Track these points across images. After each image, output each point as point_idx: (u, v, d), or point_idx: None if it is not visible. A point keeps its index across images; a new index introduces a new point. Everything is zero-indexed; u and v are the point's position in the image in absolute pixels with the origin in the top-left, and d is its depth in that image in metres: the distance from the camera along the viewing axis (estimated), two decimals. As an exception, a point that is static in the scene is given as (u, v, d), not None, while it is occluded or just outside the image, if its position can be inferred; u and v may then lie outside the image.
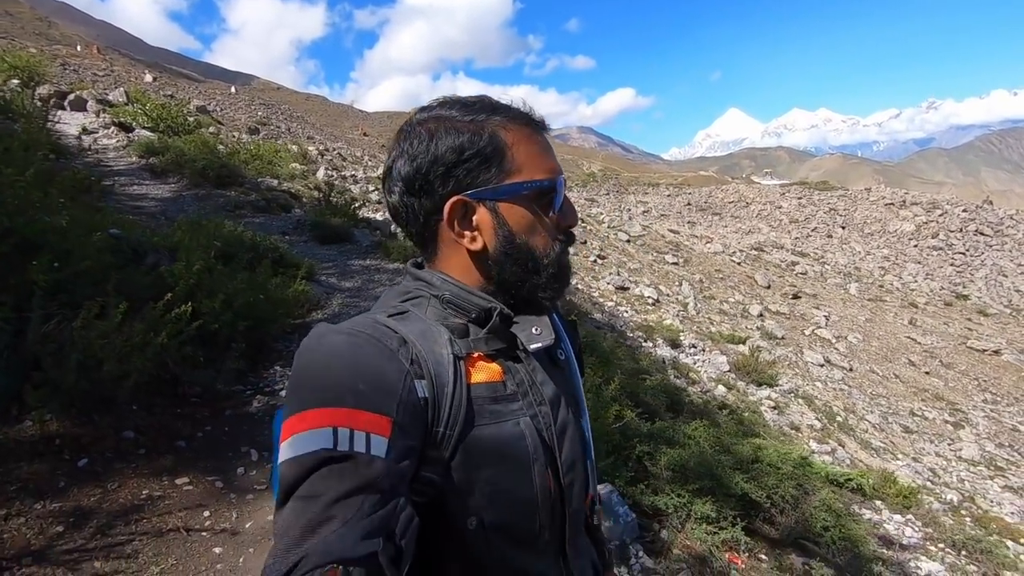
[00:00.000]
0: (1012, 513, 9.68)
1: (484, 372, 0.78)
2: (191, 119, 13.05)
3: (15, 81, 11.13)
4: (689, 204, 53.03)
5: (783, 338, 17.83)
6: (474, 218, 0.80)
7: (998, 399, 18.39)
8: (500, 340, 0.81)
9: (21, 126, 5.22)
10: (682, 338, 8.83)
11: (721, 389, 6.69)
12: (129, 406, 2.38)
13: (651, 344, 7.75)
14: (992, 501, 10.08)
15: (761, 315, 19.66)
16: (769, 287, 24.36)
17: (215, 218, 4.55)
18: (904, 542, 4.20)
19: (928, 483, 7.60)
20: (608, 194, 57.37)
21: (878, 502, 4.83)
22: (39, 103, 10.66)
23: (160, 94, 29.09)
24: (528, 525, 0.77)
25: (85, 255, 2.46)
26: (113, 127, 10.47)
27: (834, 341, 19.24)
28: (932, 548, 4.13)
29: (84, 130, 10.15)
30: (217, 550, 2.00)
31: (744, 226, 45.59)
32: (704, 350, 8.78)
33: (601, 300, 11.68)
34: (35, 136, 4.36)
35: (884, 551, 3.84)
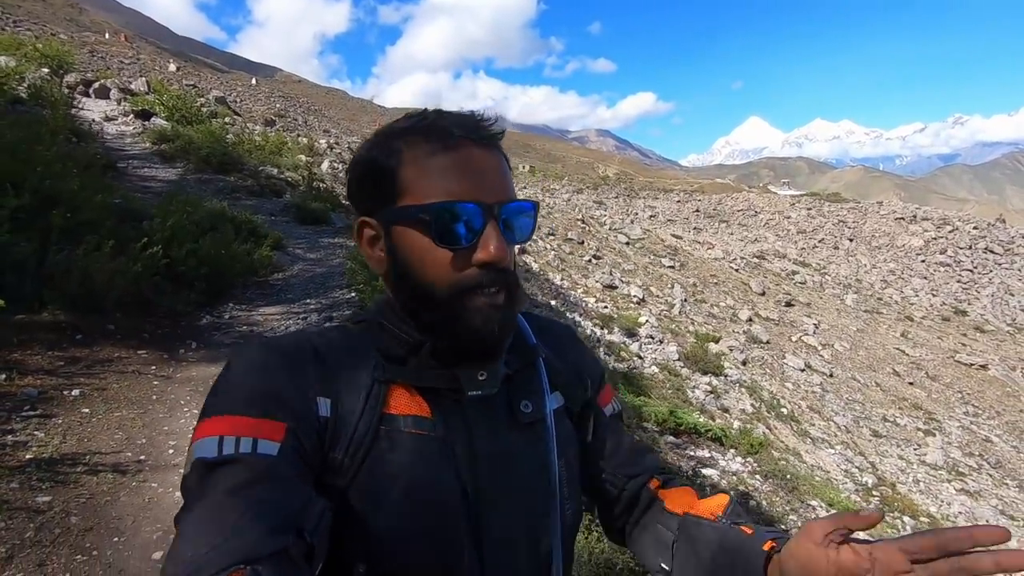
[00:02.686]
0: (959, 513, 10.17)
1: (409, 407, 0.71)
2: (205, 110, 13.92)
3: (45, 70, 12.05)
4: (698, 211, 53.31)
5: (768, 342, 18.28)
6: (380, 241, 0.75)
7: (979, 411, 18.68)
8: (436, 378, 0.73)
9: (49, 113, 6.23)
10: (641, 330, 9.48)
11: (654, 369, 7.35)
12: (113, 312, 3.61)
13: (605, 331, 8.45)
14: (943, 501, 10.57)
15: (750, 320, 20.10)
16: (764, 294, 24.73)
17: (193, 194, 5.51)
18: (723, 465, 5.07)
19: (854, 469, 8.19)
20: (618, 198, 57.82)
21: (731, 450, 5.59)
22: (66, 91, 11.57)
23: (182, 84, 30.19)
24: None
25: (89, 209, 3.36)
26: (132, 115, 11.40)
27: (819, 348, 19.62)
28: (747, 475, 4.98)
29: (106, 117, 11.06)
30: (156, 382, 3.29)
31: (750, 234, 45.81)
32: (661, 341, 9.41)
33: (581, 295, 12.31)
34: (60, 122, 5.39)
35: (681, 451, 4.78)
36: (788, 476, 5.29)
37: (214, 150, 8.87)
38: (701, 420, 5.40)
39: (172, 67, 41.07)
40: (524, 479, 0.75)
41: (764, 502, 4.86)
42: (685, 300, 19.58)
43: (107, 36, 46.48)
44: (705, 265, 25.95)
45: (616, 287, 16.29)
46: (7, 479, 2.18)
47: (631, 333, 9.08)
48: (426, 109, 0.76)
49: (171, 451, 2.78)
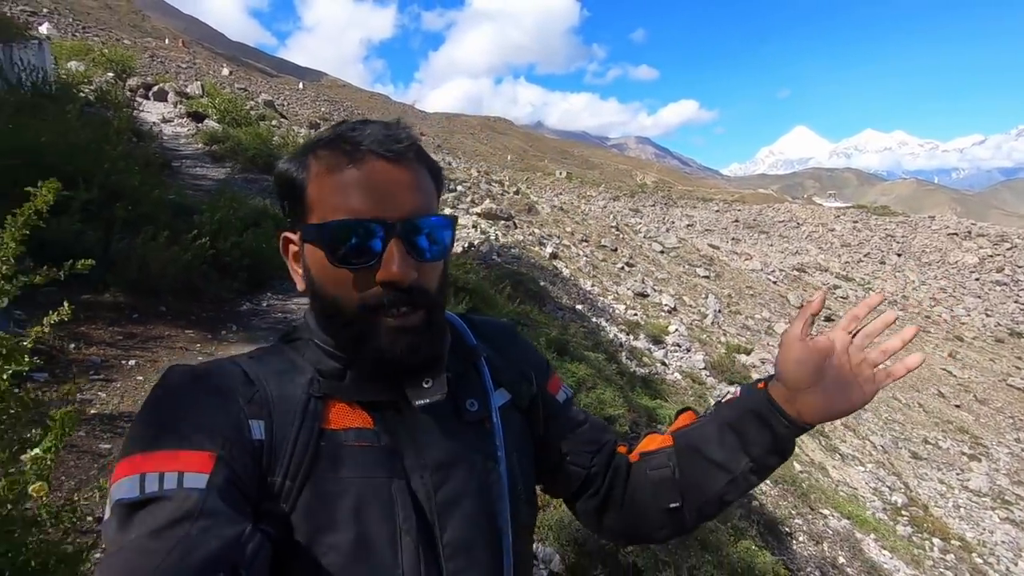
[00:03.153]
0: (1002, 542, 9.75)
1: (350, 419, 0.70)
2: (254, 113, 14.62)
3: (111, 74, 12.92)
4: (737, 221, 52.30)
5: (804, 357, 17.85)
6: (300, 257, 0.74)
7: (1032, 439, 17.75)
8: (378, 389, 0.72)
9: (113, 114, 6.86)
10: (668, 338, 9.44)
11: (677, 376, 7.32)
12: (166, 296, 4.15)
13: (631, 337, 8.47)
14: (985, 529, 10.14)
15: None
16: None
17: (238, 192, 6.08)
18: None
19: (884, 488, 7.94)
20: (655, 206, 57.21)
21: None
22: (128, 93, 12.36)
23: (234, 87, 31.57)
24: None
25: (148, 203, 3.92)
26: (187, 117, 12.12)
27: (859, 365, 19.07)
28: (778, 497, 4.92)
29: (163, 119, 11.79)
30: (199, 358, 3.66)
31: (791, 246, 44.65)
32: (688, 350, 9.35)
33: (611, 301, 12.33)
34: (123, 124, 6.04)
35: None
36: (797, 483, 5.28)
37: (260, 151, 9.46)
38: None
39: (225, 71, 42.88)
40: (475, 480, 0.74)
41: (769, 504, 4.88)
42: (719, 311, 19.29)
43: (167, 42, 48.90)
44: (741, 276, 25.48)
45: (648, 295, 16.21)
46: (76, 428, 2.54)
47: (657, 340, 9.05)
48: (345, 121, 0.74)
49: (207, 414, 3.39)
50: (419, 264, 0.70)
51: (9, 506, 1.19)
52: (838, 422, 12.20)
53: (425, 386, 0.72)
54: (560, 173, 68.12)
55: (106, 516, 0.57)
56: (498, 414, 0.80)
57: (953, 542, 6.82)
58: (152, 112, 12.06)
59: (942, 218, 51.73)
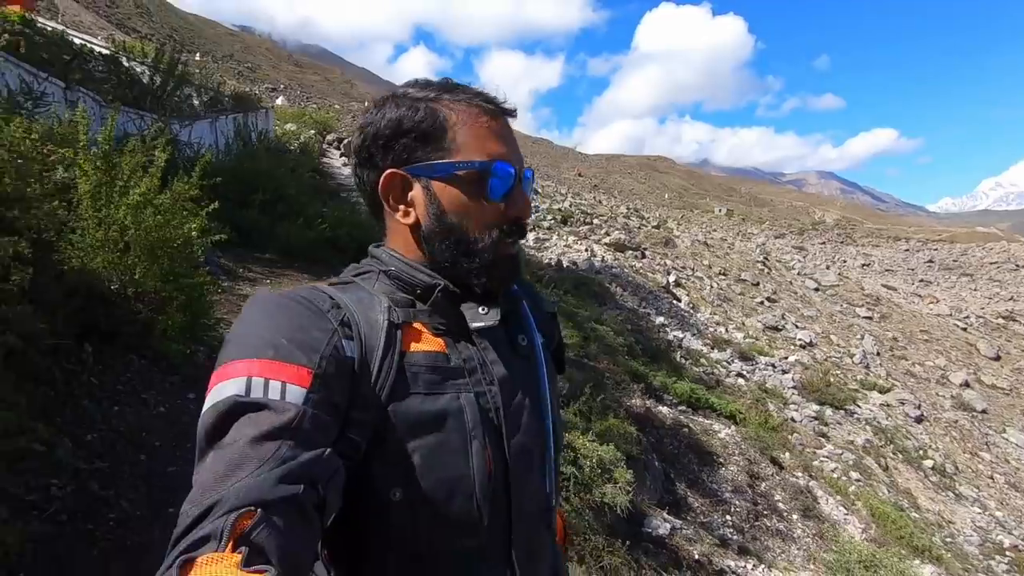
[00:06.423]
0: None
1: (425, 343, 0.78)
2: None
3: (312, 131, 16.68)
4: (931, 262, 45.36)
5: (983, 411, 15.39)
6: (410, 193, 0.80)
7: None
8: (445, 317, 0.80)
9: (303, 158, 9.73)
10: (762, 358, 9.14)
11: (740, 381, 7.21)
12: (300, 258, 6.89)
13: (716, 351, 8.47)
14: None
15: (965, 384, 17.05)
16: (998, 359, 20.52)
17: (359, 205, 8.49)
18: (714, 427, 5.14)
19: (996, 528, 6.70)
20: (825, 244, 52.09)
21: (741, 427, 5.47)
22: (324, 146, 15.83)
23: (413, 139, 36.78)
24: (461, 508, 0.74)
25: (297, 205, 7.16)
26: (361, 161, 15.19)
27: (1069, 429, 15.71)
28: (734, 446, 5.06)
29: (344, 163, 14.93)
30: (243, 293, 6.07)
31: (1004, 292, 37.37)
32: (782, 371, 8.95)
33: (733, 331, 12.24)
34: (295, 159, 8.94)
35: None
36: (762, 439, 5.16)
37: (408, 185, 11.88)
38: (716, 399, 5.49)
39: (408, 126, 49.60)
40: (528, 397, 0.83)
41: (716, 443, 5.02)
42: (877, 352, 17.52)
43: (366, 104, 58.10)
44: (915, 320, 22.47)
45: (781, 329, 15.45)
46: (238, 291, 5.33)
47: (746, 358, 8.90)
48: (447, 79, 0.85)
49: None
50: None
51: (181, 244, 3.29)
52: (1000, 479, 10.53)
53: (482, 312, 0.80)
54: (720, 210, 65.32)
55: (208, 404, 0.63)
56: (541, 349, 0.91)
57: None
58: (337, 159, 15.35)
59: None
